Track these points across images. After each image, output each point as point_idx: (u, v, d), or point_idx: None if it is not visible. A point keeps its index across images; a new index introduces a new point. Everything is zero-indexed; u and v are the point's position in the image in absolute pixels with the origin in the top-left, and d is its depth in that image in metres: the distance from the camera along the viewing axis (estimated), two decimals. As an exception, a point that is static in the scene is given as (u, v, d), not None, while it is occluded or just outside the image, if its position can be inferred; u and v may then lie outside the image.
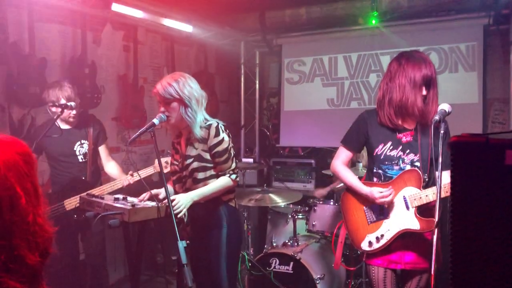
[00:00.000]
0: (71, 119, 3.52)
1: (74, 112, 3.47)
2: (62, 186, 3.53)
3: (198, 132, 2.75)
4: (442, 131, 2.21)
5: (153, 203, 2.60)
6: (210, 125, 2.77)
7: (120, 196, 2.78)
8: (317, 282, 3.64)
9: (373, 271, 2.68)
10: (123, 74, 4.89)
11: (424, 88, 2.54)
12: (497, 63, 5.30)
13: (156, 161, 3.36)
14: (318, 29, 5.88)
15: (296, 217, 4.26)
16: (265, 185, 4.83)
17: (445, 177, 2.20)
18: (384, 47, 5.67)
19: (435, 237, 2.02)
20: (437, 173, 2.16)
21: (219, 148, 2.75)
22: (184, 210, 2.60)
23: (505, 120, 5.25)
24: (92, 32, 4.55)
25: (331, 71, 6.06)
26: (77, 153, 3.58)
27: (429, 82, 2.54)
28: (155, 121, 2.68)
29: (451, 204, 0.97)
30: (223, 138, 2.77)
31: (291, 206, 4.47)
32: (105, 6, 4.13)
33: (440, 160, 2.10)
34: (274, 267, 3.84)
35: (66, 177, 3.55)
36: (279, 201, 4.18)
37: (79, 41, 4.30)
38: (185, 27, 5.21)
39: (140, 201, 2.73)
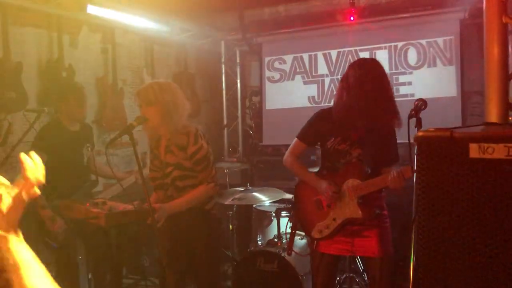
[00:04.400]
0: (83, 118, 3.63)
1: (85, 110, 3.59)
2: (73, 188, 3.44)
3: (178, 137, 2.74)
4: (416, 126, 2.27)
5: (131, 207, 2.58)
6: (189, 132, 2.76)
7: (100, 201, 2.76)
8: (303, 278, 3.65)
9: (317, 257, 2.88)
10: (101, 77, 4.84)
11: (374, 96, 2.63)
12: (474, 56, 5.36)
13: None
14: (297, 26, 5.89)
15: (280, 215, 4.26)
16: (248, 184, 4.82)
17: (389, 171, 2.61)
18: (363, 43, 5.70)
19: (413, 234, 2.07)
20: (397, 169, 2.51)
21: (198, 156, 2.76)
22: (162, 221, 2.61)
23: (483, 113, 5.32)
24: (69, 35, 4.49)
25: (311, 68, 6.08)
26: (84, 156, 3.61)
27: (379, 92, 2.64)
28: (133, 123, 2.66)
29: (416, 198, 0.98)
30: (201, 145, 2.77)
31: (275, 204, 4.47)
32: (81, 8, 4.07)
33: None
34: (260, 266, 3.84)
35: (75, 180, 3.51)
36: (263, 199, 4.18)
37: (55, 45, 4.24)
38: (164, 28, 5.17)
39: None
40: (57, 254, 3.46)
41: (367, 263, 2.87)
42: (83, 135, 3.65)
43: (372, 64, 2.74)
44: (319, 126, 2.89)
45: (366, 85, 2.61)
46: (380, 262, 2.75)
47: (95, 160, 3.78)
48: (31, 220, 3.38)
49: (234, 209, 4.64)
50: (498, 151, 0.88)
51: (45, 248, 3.42)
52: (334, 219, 2.80)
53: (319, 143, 2.95)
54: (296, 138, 3.00)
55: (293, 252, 3.37)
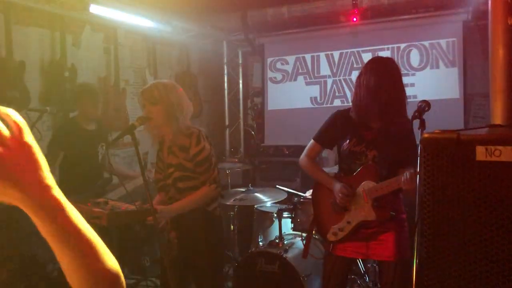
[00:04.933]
0: (97, 116, 3.74)
1: (98, 108, 3.76)
2: (87, 186, 3.57)
3: (181, 138, 2.73)
4: (420, 128, 2.27)
5: (133, 207, 2.58)
6: (191, 133, 2.75)
7: (102, 200, 2.76)
8: (304, 280, 3.64)
9: (331, 260, 2.84)
10: (104, 76, 4.84)
11: (388, 95, 2.60)
12: (477, 58, 5.36)
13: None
14: (300, 27, 5.89)
15: (281, 215, 4.25)
16: (250, 184, 4.82)
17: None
18: (366, 44, 5.70)
19: (416, 237, 2.06)
20: (410, 170, 2.43)
21: (200, 157, 2.73)
22: (162, 223, 2.61)
23: (486, 115, 5.32)
24: (71, 34, 4.49)
25: (313, 69, 6.07)
26: (99, 154, 3.67)
27: (393, 90, 2.62)
28: (135, 123, 2.65)
29: (420, 200, 0.98)
30: (204, 146, 2.74)
31: (277, 205, 4.46)
32: (83, 8, 4.08)
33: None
34: (261, 267, 3.83)
35: (90, 177, 3.65)
36: (264, 200, 4.17)
37: (58, 44, 4.25)
38: (166, 28, 5.17)
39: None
40: None
41: (381, 267, 2.80)
42: (99, 135, 3.75)
43: (383, 63, 2.71)
44: (335, 128, 2.85)
45: (373, 83, 2.59)
46: (395, 267, 2.70)
47: (110, 159, 3.88)
48: None
49: (236, 209, 4.64)
50: (505, 154, 0.87)
51: None
52: (348, 222, 2.74)
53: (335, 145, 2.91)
54: (312, 140, 2.96)
55: (300, 255, 3.34)
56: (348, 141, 2.78)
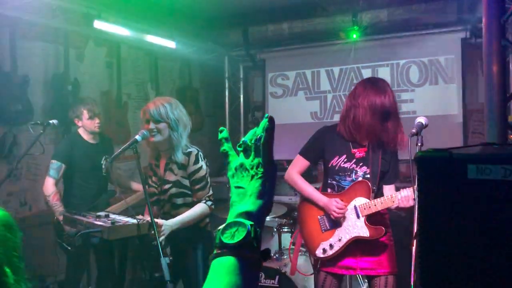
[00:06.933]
0: (97, 129, 3.70)
1: (97, 121, 3.68)
2: (92, 198, 3.63)
3: (180, 156, 2.78)
4: (419, 144, 2.30)
5: (134, 221, 2.60)
6: (190, 152, 2.83)
7: (103, 214, 2.78)
8: (303, 295, 3.64)
9: (322, 277, 2.83)
10: (106, 91, 4.89)
11: (381, 116, 2.66)
12: (475, 75, 5.42)
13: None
14: (300, 43, 5.97)
15: (281, 230, 4.27)
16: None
17: (389, 189, 2.78)
18: (365, 60, 5.76)
19: (413, 248, 2.08)
20: (406, 189, 2.54)
21: (197, 176, 2.81)
22: (163, 237, 2.64)
23: (485, 131, 5.35)
24: (75, 49, 4.56)
25: (314, 84, 6.13)
26: (103, 166, 3.69)
27: (387, 112, 2.68)
28: (138, 137, 2.69)
29: (418, 217, 1.01)
30: (201, 166, 2.83)
31: (276, 219, 4.48)
32: (88, 23, 4.14)
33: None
34: (260, 281, 3.83)
35: (94, 189, 3.68)
36: (264, 214, 4.18)
37: (61, 58, 4.30)
38: (169, 43, 5.24)
39: None
40: (68, 254, 3.58)
41: (372, 283, 2.79)
42: (102, 148, 3.76)
43: (381, 83, 2.74)
44: (322, 143, 2.86)
45: (375, 103, 2.63)
46: (385, 282, 2.72)
47: (115, 171, 3.90)
48: (50, 227, 3.60)
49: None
50: (495, 172, 0.91)
51: (62, 252, 3.60)
52: (339, 239, 2.74)
53: (321, 161, 2.91)
54: (298, 155, 2.95)
55: (296, 272, 3.34)
56: (337, 157, 2.79)
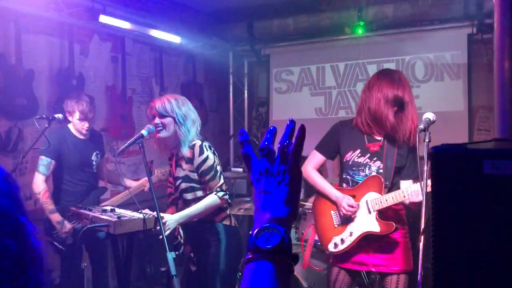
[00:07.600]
0: (84, 131, 3.59)
1: (86, 125, 3.56)
2: (81, 195, 3.56)
3: (186, 150, 2.75)
4: (427, 140, 2.29)
5: (140, 215, 2.60)
6: (194, 145, 2.76)
7: (108, 208, 2.78)
8: (307, 291, 3.64)
9: (335, 272, 2.83)
10: (111, 85, 4.89)
11: (395, 106, 2.65)
12: (481, 71, 5.37)
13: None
14: (305, 39, 5.94)
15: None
16: (254, 194, 4.82)
17: (406, 185, 2.70)
18: (371, 56, 5.73)
19: (421, 244, 2.06)
20: (416, 184, 2.48)
21: (205, 166, 2.73)
22: (169, 231, 2.60)
23: (490, 127, 5.32)
24: (80, 43, 4.55)
25: (318, 80, 6.11)
26: (94, 163, 3.64)
27: (401, 102, 2.66)
28: (144, 132, 2.69)
29: (432, 212, 0.99)
30: (207, 156, 2.75)
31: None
32: (93, 17, 4.13)
33: (425, 168, 2.20)
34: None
35: (84, 186, 3.60)
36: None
37: (66, 53, 4.30)
38: (173, 38, 5.22)
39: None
40: (62, 257, 3.50)
41: (384, 280, 2.77)
42: (92, 143, 3.69)
43: (396, 74, 2.73)
44: (337, 138, 2.85)
45: (388, 93, 2.61)
46: (397, 279, 2.70)
47: (105, 167, 3.85)
48: (40, 224, 3.45)
49: (240, 219, 4.65)
50: (510, 168, 0.90)
51: (53, 252, 3.50)
52: (350, 234, 2.73)
53: (337, 156, 2.90)
54: (314, 150, 2.96)
55: (308, 266, 3.34)
56: (351, 152, 2.79)
